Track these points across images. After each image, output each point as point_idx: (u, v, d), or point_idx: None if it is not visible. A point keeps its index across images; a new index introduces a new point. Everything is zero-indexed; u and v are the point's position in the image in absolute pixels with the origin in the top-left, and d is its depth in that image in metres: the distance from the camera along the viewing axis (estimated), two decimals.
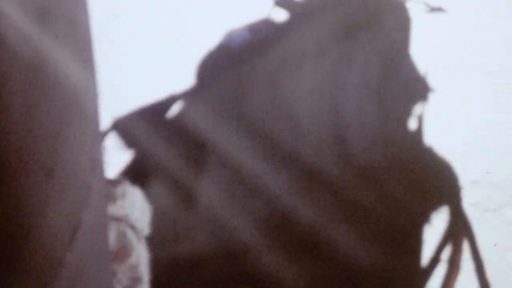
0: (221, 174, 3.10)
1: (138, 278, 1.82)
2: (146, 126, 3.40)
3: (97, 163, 1.28)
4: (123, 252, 1.79)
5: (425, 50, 4.14)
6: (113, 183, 1.82)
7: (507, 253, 2.77)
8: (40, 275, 1.00)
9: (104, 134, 3.26)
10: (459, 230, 2.86)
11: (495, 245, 2.78)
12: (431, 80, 3.86)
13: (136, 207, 1.86)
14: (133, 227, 1.83)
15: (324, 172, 3.16)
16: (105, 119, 3.36)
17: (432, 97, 3.74)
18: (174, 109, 3.55)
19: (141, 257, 1.86)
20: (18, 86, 0.85)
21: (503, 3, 4.63)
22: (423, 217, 2.93)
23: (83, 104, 1.16)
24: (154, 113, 3.50)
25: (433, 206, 2.99)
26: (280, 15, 4.43)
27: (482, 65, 4.01)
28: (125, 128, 3.35)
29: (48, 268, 1.03)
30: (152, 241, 2.02)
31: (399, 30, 4.35)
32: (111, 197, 1.78)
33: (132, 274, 1.80)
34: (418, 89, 3.80)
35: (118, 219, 1.78)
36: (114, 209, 1.78)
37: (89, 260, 1.25)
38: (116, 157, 3.17)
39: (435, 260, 2.71)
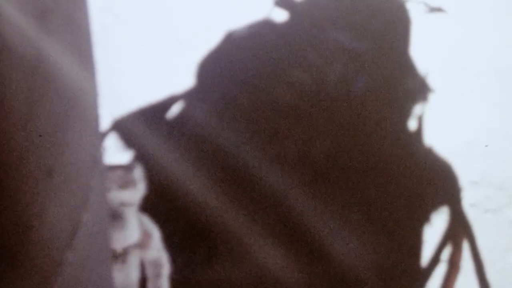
0: (220, 173, 3.11)
1: (160, 263, 1.84)
2: (146, 126, 3.40)
3: (97, 163, 1.28)
4: (145, 237, 1.79)
5: (425, 50, 4.14)
6: (129, 168, 1.80)
7: (507, 253, 2.77)
8: (40, 275, 1.00)
9: (104, 134, 3.26)
10: (459, 231, 2.86)
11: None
12: (431, 81, 3.86)
13: (142, 190, 1.85)
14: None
15: (324, 171, 3.16)
16: (105, 119, 3.36)
17: (432, 97, 3.74)
18: (174, 110, 3.55)
19: (158, 239, 1.88)
20: (18, 86, 0.85)
21: (503, 3, 4.64)
22: (423, 217, 2.93)
23: (83, 104, 1.16)
24: (154, 113, 3.51)
25: (433, 206, 2.99)
26: (280, 15, 4.43)
27: (482, 65, 4.01)
28: (125, 128, 3.35)
29: (48, 268, 1.03)
30: None
31: (399, 31, 4.35)
32: (130, 183, 1.75)
33: (156, 259, 1.82)
34: (418, 89, 3.81)
35: (132, 204, 1.76)
36: (132, 195, 1.76)
37: (89, 260, 1.25)
38: (116, 157, 3.17)
39: (435, 260, 2.71)
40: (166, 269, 1.91)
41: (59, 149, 1.02)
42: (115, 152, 3.20)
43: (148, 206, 2.89)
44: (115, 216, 1.65)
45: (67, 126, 1.06)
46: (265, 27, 4.32)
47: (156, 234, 1.86)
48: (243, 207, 2.92)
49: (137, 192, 1.78)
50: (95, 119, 1.28)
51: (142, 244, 1.79)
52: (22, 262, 0.95)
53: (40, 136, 0.92)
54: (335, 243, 2.76)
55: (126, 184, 1.74)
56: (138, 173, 1.79)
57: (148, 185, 3.00)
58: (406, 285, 2.62)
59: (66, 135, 1.06)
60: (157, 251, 1.85)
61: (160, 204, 2.92)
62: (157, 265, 1.84)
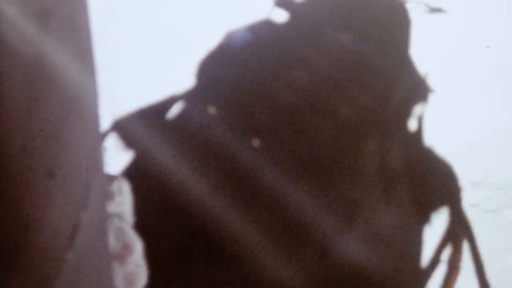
0: (221, 173, 3.11)
1: (134, 279, 1.80)
2: (146, 126, 3.40)
3: (97, 163, 1.28)
4: (124, 250, 1.77)
5: (425, 50, 4.14)
6: (110, 179, 1.80)
7: (507, 254, 2.77)
8: (40, 275, 1.00)
9: (104, 134, 3.26)
10: (459, 231, 2.86)
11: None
12: (431, 81, 3.86)
13: (128, 201, 1.85)
14: (127, 222, 1.82)
15: (324, 171, 3.16)
16: (105, 119, 3.36)
17: (432, 97, 3.74)
18: (174, 109, 3.55)
19: (140, 253, 1.85)
20: (18, 87, 0.85)
21: (503, 3, 4.63)
22: (423, 218, 2.93)
23: (83, 104, 1.16)
24: (154, 113, 3.51)
25: (433, 206, 2.99)
26: (280, 15, 4.43)
27: (482, 65, 4.01)
28: (125, 128, 3.35)
29: (48, 268, 1.02)
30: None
31: (399, 31, 4.35)
32: (108, 194, 1.76)
33: (132, 273, 1.78)
34: (419, 89, 3.81)
35: (115, 216, 1.76)
36: (111, 206, 1.76)
37: (89, 260, 1.25)
38: (116, 157, 3.17)
39: (435, 261, 2.71)
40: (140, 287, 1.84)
41: (59, 149, 1.02)
42: (115, 152, 3.20)
43: (148, 206, 2.90)
44: None
45: (67, 126, 1.06)
46: (265, 27, 4.32)
47: (138, 248, 1.83)
48: (243, 207, 2.92)
49: (120, 204, 1.77)
50: (95, 119, 1.28)
51: (120, 256, 1.76)
52: (22, 262, 0.95)
53: (41, 130, 0.92)
54: (335, 244, 2.76)
55: (107, 195, 1.73)
56: (121, 185, 1.78)
57: (148, 185, 3.00)
58: (406, 286, 2.62)
59: (66, 135, 1.06)
60: (135, 266, 1.81)
61: (160, 204, 2.92)
62: (130, 281, 1.78)
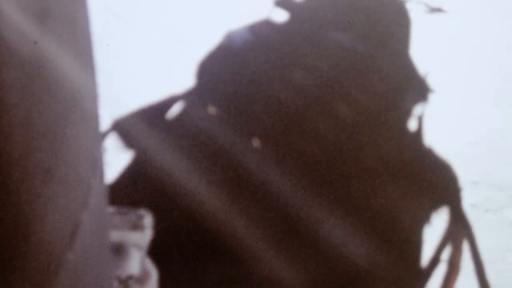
0: (221, 173, 3.11)
1: None
2: (146, 126, 3.40)
3: (97, 163, 1.28)
4: (145, 275, 1.90)
5: (425, 50, 4.14)
6: (140, 215, 1.96)
7: (507, 254, 2.77)
8: (40, 275, 1.00)
9: (104, 134, 3.26)
10: (459, 231, 2.86)
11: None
12: (431, 81, 3.86)
13: (150, 235, 1.99)
14: (144, 251, 1.95)
15: (324, 171, 3.16)
16: (105, 119, 3.36)
17: (432, 97, 3.74)
18: (174, 109, 3.55)
19: (156, 280, 1.97)
20: (18, 86, 0.85)
21: (503, 4, 4.64)
22: (423, 218, 2.93)
23: (83, 104, 1.16)
24: (154, 113, 3.51)
25: (433, 206, 2.99)
26: (280, 15, 4.43)
27: (482, 65, 4.01)
28: (125, 128, 3.35)
29: (48, 268, 1.03)
30: None
31: (399, 31, 4.35)
32: (139, 227, 1.92)
33: None
34: (419, 89, 3.81)
35: (139, 246, 1.91)
36: (139, 238, 1.91)
37: (89, 260, 1.25)
38: (116, 157, 3.17)
39: (435, 261, 2.71)
40: None
41: (59, 149, 1.02)
42: (115, 152, 3.20)
43: (148, 206, 2.90)
44: (121, 249, 1.81)
45: (67, 126, 1.06)
46: (265, 27, 4.32)
47: (154, 275, 1.95)
48: (243, 207, 2.92)
49: (144, 236, 1.93)
50: (95, 119, 1.28)
51: (142, 280, 1.89)
52: (22, 262, 0.95)
53: (40, 128, 0.92)
54: (335, 243, 2.76)
55: (136, 227, 1.92)
56: (148, 220, 1.96)
57: (148, 184, 3.00)
58: (406, 286, 2.62)
59: (66, 135, 1.06)
60: None
61: (160, 203, 2.92)
62: None
